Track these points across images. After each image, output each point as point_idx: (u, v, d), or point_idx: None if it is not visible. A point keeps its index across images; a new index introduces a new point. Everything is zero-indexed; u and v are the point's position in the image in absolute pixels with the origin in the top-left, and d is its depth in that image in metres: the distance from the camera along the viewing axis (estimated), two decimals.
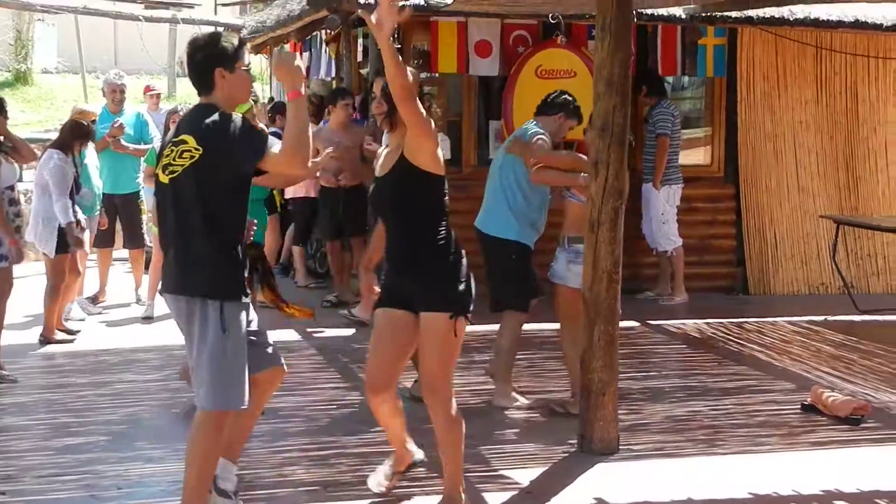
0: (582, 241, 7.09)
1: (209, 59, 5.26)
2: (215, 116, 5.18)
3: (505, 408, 7.75)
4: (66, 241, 9.55)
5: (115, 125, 11.31)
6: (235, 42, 5.35)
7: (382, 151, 5.94)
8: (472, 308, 5.59)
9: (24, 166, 14.01)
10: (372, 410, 5.90)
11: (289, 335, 9.66)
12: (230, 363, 5.21)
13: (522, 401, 7.83)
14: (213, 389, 5.20)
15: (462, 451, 5.67)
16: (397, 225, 5.66)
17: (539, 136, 7.75)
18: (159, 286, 5.63)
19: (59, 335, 9.79)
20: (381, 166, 5.74)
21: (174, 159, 5.21)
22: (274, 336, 8.74)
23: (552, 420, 7.47)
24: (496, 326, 8.00)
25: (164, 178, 5.27)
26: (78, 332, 10.05)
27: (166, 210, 5.31)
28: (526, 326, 8.02)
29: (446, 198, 5.64)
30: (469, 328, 5.64)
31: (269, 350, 5.58)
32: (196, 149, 5.15)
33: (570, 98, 8.03)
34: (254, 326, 5.47)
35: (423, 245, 5.56)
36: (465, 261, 5.61)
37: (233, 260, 5.25)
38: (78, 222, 9.67)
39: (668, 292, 11.83)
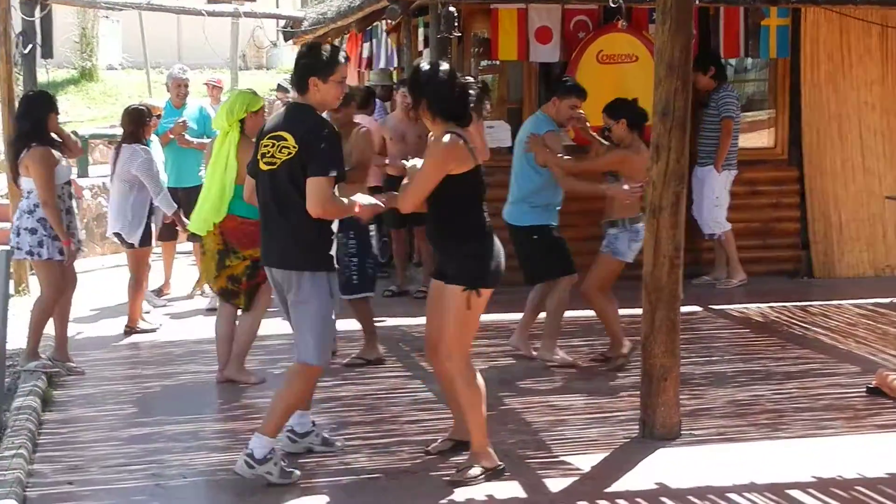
0: (639, 220, 7.92)
1: (307, 67, 6.07)
2: (318, 124, 6.00)
3: (548, 361, 8.42)
4: (149, 234, 9.91)
5: (179, 122, 11.42)
6: (337, 57, 6.09)
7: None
8: (491, 285, 6.07)
9: (91, 161, 14.20)
10: (435, 371, 6.44)
11: (351, 325, 9.68)
12: (332, 324, 6.16)
13: (564, 356, 8.49)
14: (319, 347, 6.05)
15: (482, 411, 6.09)
16: (429, 207, 6.14)
17: (550, 134, 8.40)
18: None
19: (143, 325, 10.01)
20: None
21: (275, 153, 6.00)
22: (339, 326, 8.84)
23: (613, 406, 7.46)
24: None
25: (263, 167, 6.06)
26: (160, 325, 10.20)
27: (265, 194, 6.12)
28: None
29: (478, 185, 6.11)
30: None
31: None
32: (294, 147, 5.93)
33: (564, 78, 8.86)
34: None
35: (448, 227, 6.12)
36: (491, 242, 6.09)
37: (327, 238, 6.06)
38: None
39: (724, 276, 11.75)
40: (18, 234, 8.41)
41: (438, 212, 6.12)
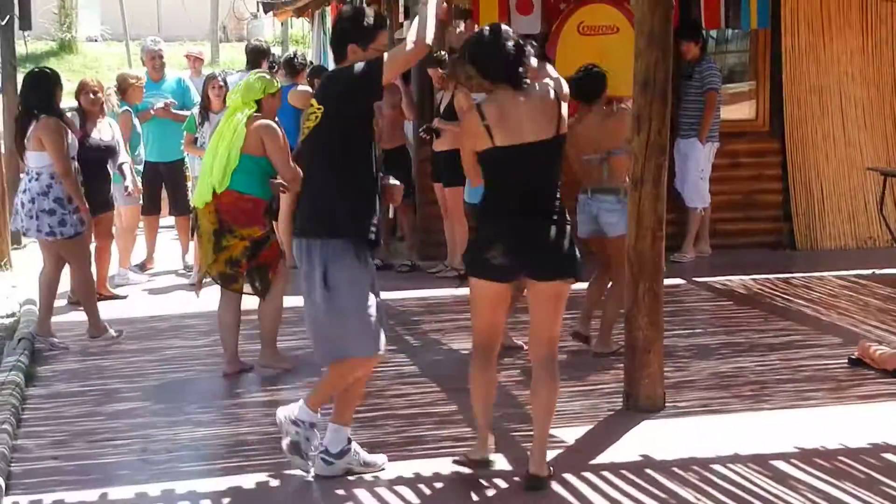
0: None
1: (347, 32, 5.70)
2: (330, 73, 5.80)
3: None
4: (105, 200, 9.73)
5: (163, 105, 11.36)
6: (380, 24, 5.77)
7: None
8: (474, 274, 5.64)
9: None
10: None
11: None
12: (357, 313, 5.61)
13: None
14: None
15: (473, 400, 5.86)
16: None
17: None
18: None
19: (111, 291, 10.13)
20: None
21: (305, 123, 5.70)
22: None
23: (597, 379, 7.49)
24: None
25: (301, 141, 5.84)
26: (125, 296, 10.26)
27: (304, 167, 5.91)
28: None
29: (491, 165, 5.61)
30: None
31: None
32: (318, 108, 5.63)
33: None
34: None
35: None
36: (485, 229, 5.66)
37: (355, 209, 5.62)
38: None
39: (707, 249, 11.81)
40: (35, 217, 8.40)
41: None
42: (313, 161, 5.71)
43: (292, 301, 7.61)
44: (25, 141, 8.49)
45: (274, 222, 8.46)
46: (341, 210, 5.57)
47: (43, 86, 8.57)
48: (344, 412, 5.87)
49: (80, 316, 9.22)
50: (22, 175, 8.76)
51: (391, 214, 11.03)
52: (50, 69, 9.12)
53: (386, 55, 5.52)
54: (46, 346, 8.43)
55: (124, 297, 10.20)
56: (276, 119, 7.70)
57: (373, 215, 5.70)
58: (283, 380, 7.57)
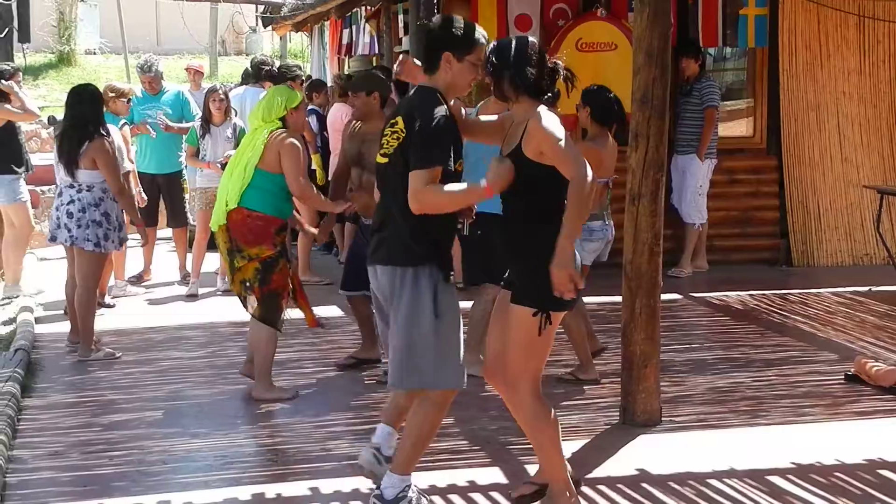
0: (595, 219, 7.50)
1: (441, 39, 5.19)
2: (426, 103, 5.14)
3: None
4: None
5: (157, 122, 11.42)
6: (476, 35, 5.19)
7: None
8: (565, 307, 5.21)
9: None
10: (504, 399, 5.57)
11: (331, 311, 9.70)
12: (444, 342, 5.18)
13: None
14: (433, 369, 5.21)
15: (553, 450, 5.35)
16: (511, 203, 5.27)
17: None
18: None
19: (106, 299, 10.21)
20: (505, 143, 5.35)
21: (388, 140, 5.20)
22: (317, 312, 8.76)
23: (594, 392, 7.49)
24: None
25: (380, 159, 5.28)
26: (112, 305, 10.35)
27: (380, 189, 5.38)
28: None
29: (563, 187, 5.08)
30: None
31: None
32: (402, 130, 5.12)
33: None
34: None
35: (530, 232, 5.18)
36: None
37: (432, 242, 5.17)
38: None
39: (705, 265, 11.83)
40: (86, 227, 8.42)
41: (527, 210, 5.17)
42: (398, 181, 5.13)
43: (288, 313, 7.59)
44: (79, 157, 8.45)
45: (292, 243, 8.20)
46: (429, 235, 5.16)
47: (94, 103, 8.64)
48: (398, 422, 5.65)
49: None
50: (59, 187, 8.68)
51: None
52: (93, 86, 9.13)
53: (430, 190, 4.99)
54: (104, 356, 8.49)
55: (111, 307, 10.23)
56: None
57: (452, 238, 5.39)
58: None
